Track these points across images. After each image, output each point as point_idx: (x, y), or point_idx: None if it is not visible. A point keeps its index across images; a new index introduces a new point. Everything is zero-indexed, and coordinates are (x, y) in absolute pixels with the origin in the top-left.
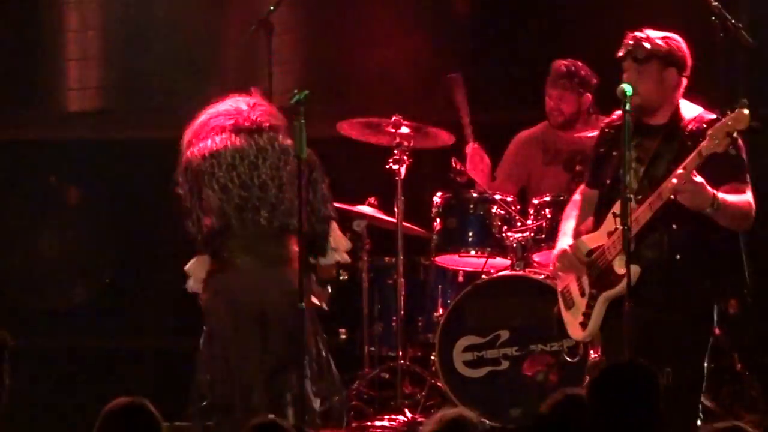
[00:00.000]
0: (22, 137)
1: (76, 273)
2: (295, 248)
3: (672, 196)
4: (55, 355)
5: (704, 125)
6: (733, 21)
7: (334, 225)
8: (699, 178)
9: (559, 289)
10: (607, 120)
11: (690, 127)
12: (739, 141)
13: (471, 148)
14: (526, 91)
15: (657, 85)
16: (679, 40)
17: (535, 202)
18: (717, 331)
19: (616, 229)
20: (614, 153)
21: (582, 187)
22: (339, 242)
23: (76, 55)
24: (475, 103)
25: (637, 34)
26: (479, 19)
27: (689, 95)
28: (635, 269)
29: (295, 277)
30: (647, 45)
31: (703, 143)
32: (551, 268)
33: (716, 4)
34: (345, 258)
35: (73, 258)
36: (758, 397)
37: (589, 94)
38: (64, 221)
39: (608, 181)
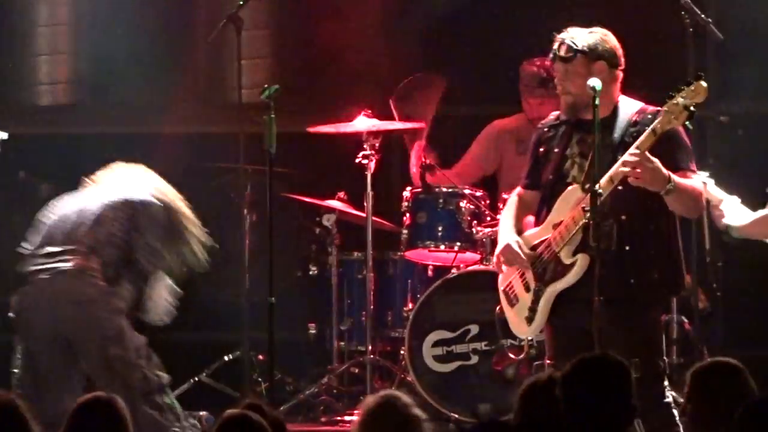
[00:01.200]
0: None
1: None
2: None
3: (628, 179)
4: None
5: (648, 115)
6: (702, 16)
7: (158, 284)
8: (654, 159)
9: (501, 288)
10: (544, 120)
11: (633, 118)
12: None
13: (418, 145)
14: (500, 85)
15: (585, 80)
16: (606, 33)
17: (505, 196)
18: (687, 325)
19: (561, 221)
20: (555, 150)
21: (518, 189)
22: (157, 304)
23: (46, 50)
24: (448, 96)
25: (561, 35)
26: (453, 13)
27: (658, 92)
28: (585, 259)
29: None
30: (570, 43)
31: (658, 120)
32: (493, 266)
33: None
34: (158, 321)
35: None
36: None
37: None
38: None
39: (550, 177)
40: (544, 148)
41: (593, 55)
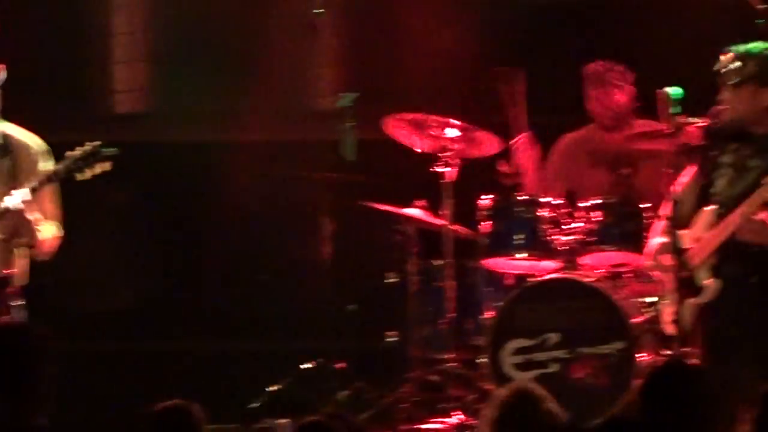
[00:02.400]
0: (69, 139)
1: (122, 276)
2: None
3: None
4: (107, 357)
5: None
6: None
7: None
8: (759, 217)
9: (662, 279)
10: (709, 118)
11: None
12: None
13: (521, 135)
14: (573, 92)
15: (751, 106)
16: None
17: (584, 204)
18: None
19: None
20: (712, 153)
21: None
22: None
23: (123, 58)
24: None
25: (730, 55)
26: (530, 18)
27: None
28: (717, 283)
29: None
30: (740, 68)
31: (764, 186)
32: (648, 261)
33: (763, 6)
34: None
35: (120, 261)
36: None
37: (630, 87)
38: (111, 223)
39: (704, 181)
40: (705, 148)
41: (763, 81)
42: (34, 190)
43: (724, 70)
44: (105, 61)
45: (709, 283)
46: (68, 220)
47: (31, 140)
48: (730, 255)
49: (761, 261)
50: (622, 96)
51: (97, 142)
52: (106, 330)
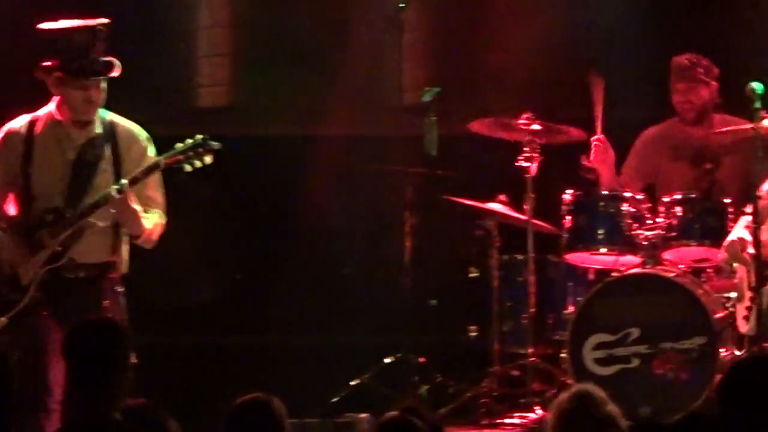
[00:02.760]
0: (153, 133)
1: (206, 270)
2: None
3: None
4: (186, 350)
5: None
6: None
7: None
8: None
9: (736, 281)
10: None
11: None
12: None
13: (596, 138)
14: (656, 88)
15: None
16: None
17: (666, 200)
18: None
19: None
20: None
21: None
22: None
23: (207, 52)
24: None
25: None
26: (611, 14)
27: None
28: None
29: None
30: None
31: None
32: (720, 256)
33: None
34: None
35: (204, 254)
36: None
37: (714, 83)
38: (194, 217)
39: None
40: None
41: None
42: (135, 181)
43: None
44: (189, 55)
45: None
46: None
47: (135, 128)
48: None
49: None
50: (706, 91)
51: (201, 136)
52: (189, 324)
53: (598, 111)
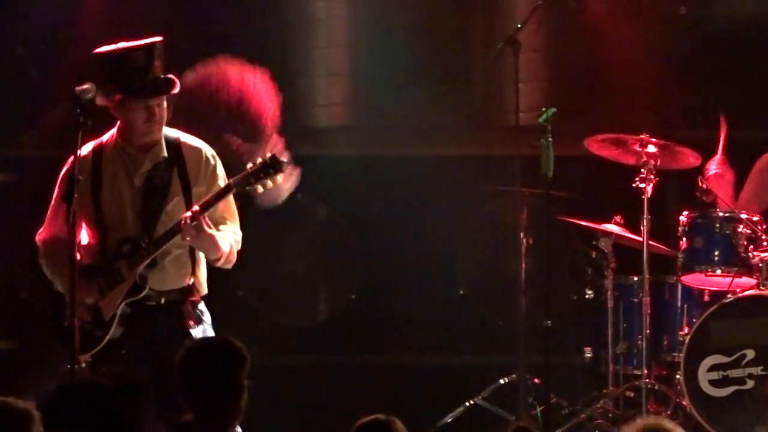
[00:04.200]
0: None
1: (321, 289)
2: None
3: None
4: (301, 370)
5: None
6: None
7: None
8: None
9: None
10: None
11: None
12: None
13: (717, 159)
14: None
15: None
16: None
17: None
18: None
19: None
20: None
21: None
22: None
23: (325, 72)
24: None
25: None
26: (731, 36)
27: None
28: None
29: None
30: None
31: None
32: None
33: None
34: None
35: (319, 274)
36: None
37: None
38: (311, 237)
39: None
40: None
41: None
42: (206, 206)
43: None
44: (308, 74)
45: None
46: (268, 233)
47: (203, 146)
48: None
49: None
50: None
51: (271, 154)
52: (303, 344)
53: (721, 146)
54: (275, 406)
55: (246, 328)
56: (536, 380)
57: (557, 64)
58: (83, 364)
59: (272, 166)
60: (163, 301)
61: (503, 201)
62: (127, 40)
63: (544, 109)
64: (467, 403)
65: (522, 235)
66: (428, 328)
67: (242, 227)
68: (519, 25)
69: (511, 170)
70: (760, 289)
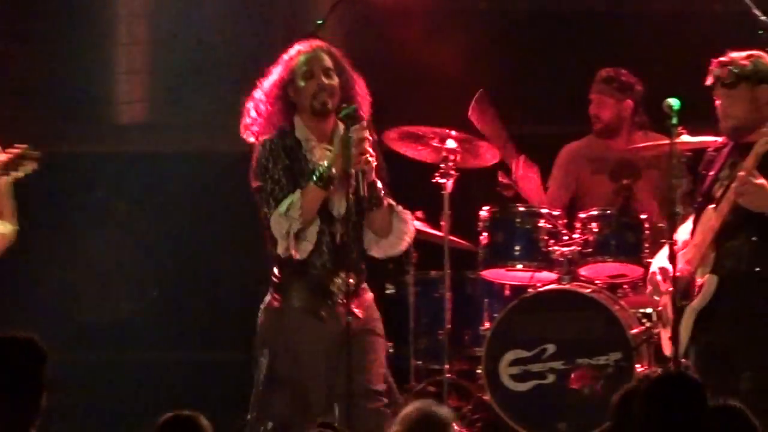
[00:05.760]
0: (73, 150)
1: (124, 286)
2: None
3: (739, 201)
4: (103, 367)
5: None
6: None
7: None
8: (759, 180)
9: (659, 308)
10: (711, 142)
11: None
12: None
13: (518, 162)
14: (577, 102)
15: (750, 104)
16: (763, 55)
17: (582, 215)
18: None
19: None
20: (711, 173)
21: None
22: None
23: (126, 69)
24: (525, 114)
25: (721, 59)
26: (529, 28)
27: None
28: (713, 279)
29: None
30: (733, 68)
31: (761, 140)
32: (649, 287)
33: (765, 18)
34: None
35: (121, 271)
36: None
37: (630, 101)
38: (113, 234)
39: (700, 199)
40: (703, 171)
41: (756, 78)
42: None
43: (716, 74)
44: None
45: (704, 280)
46: (69, 230)
47: None
48: (728, 247)
49: (763, 252)
50: (615, 106)
51: (24, 145)
52: (106, 341)
53: (498, 132)
54: (78, 405)
55: (46, 326)
56: None
57: (357, 62)
58: None
59: (23, 156)
60: None
61: None
62: None
63: (345, 105)
64: None
65: None
66: (228, 324)
67: (33, 226)
68: (319, 22)
69: None
70: (561, 284)
